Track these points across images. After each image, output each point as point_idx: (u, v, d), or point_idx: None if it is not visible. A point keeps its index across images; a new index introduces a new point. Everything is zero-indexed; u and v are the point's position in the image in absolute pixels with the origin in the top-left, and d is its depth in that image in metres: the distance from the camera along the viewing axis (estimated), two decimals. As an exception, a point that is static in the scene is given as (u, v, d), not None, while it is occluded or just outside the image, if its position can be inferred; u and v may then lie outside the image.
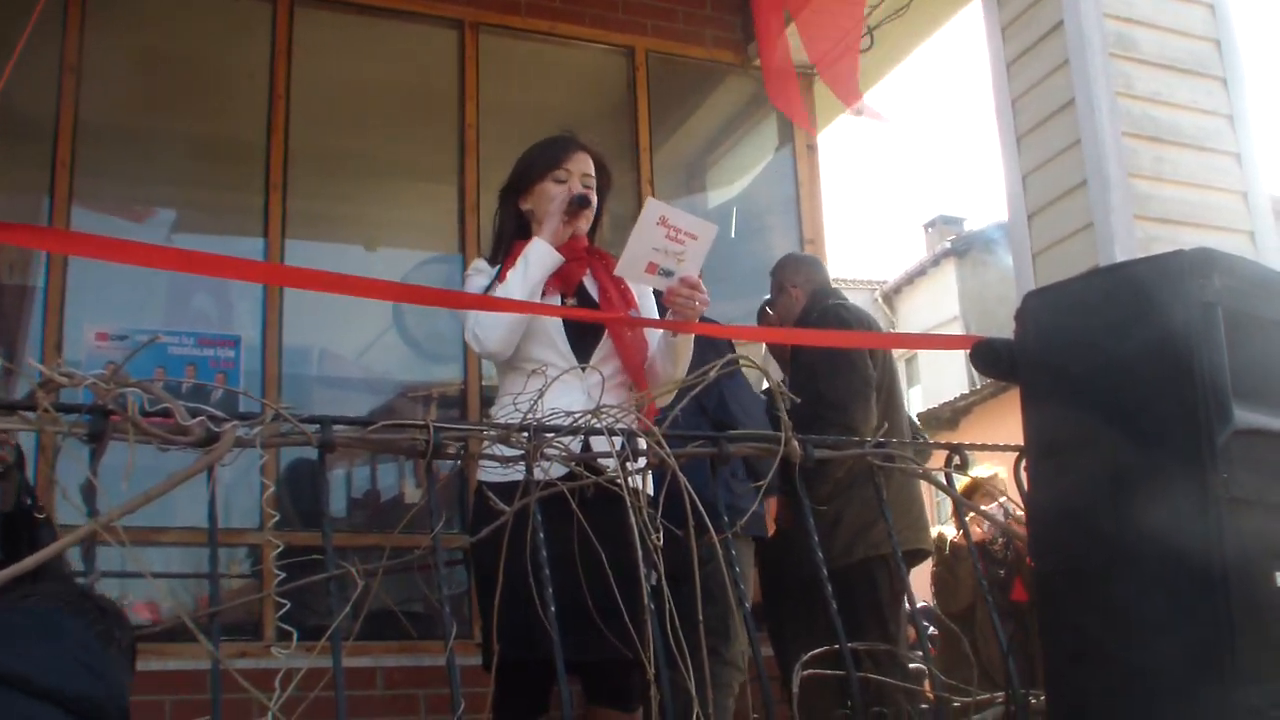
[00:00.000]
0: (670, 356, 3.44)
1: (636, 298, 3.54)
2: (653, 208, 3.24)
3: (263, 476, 4.52)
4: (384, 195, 6.56)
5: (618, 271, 3.40)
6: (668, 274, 3.28)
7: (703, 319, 3.45)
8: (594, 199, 3.54)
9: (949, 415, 21.61)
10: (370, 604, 2.52)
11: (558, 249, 3.43)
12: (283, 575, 2.84)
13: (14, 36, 4.07)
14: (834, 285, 5.27)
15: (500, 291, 3.35)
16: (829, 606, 2.91)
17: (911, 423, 5.47)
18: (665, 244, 3.23)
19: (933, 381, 24.46)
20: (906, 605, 4.13)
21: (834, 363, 4.53)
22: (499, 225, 3.66)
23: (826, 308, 4.79)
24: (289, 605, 2.66)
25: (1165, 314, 2.52)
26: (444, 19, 6.06)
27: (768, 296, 5.31)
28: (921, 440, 5.36)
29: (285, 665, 2.29)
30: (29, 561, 2.40)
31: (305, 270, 3.37)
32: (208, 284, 5.56)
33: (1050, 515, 2.72)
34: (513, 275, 3.36)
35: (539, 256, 3.38)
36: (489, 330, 3.33)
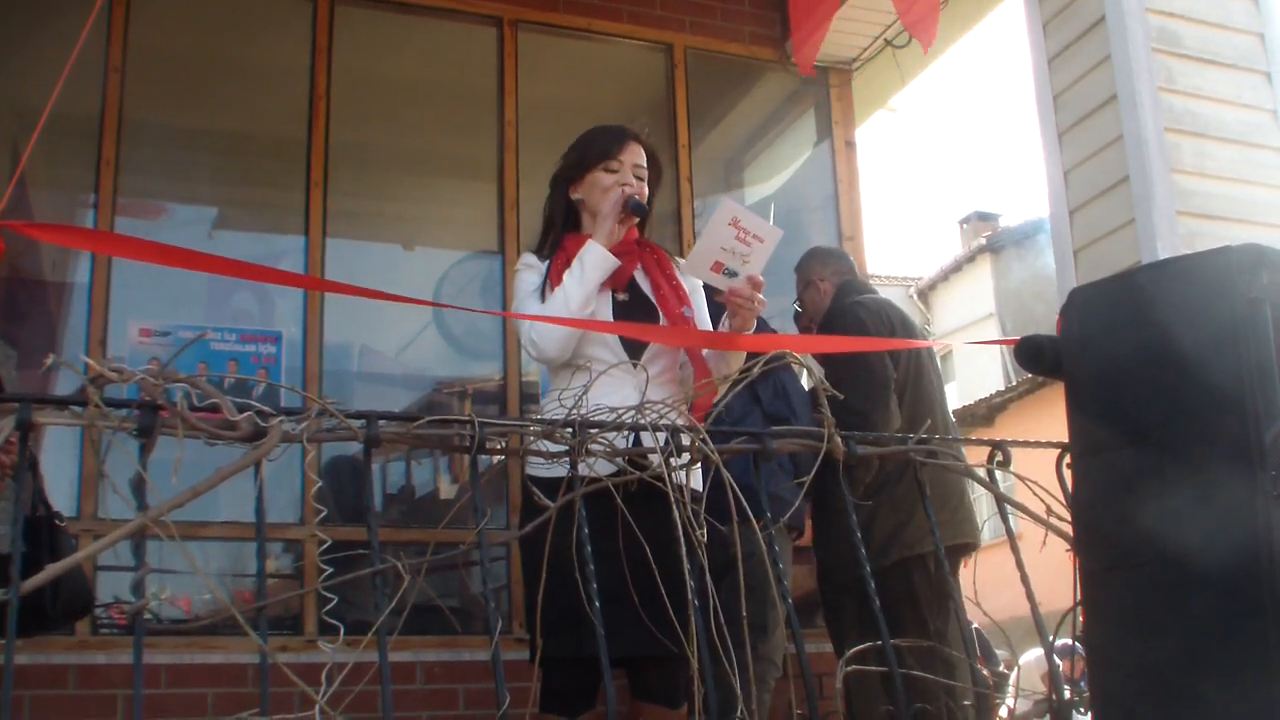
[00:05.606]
0: (724, 357, 3.47)
1: (689, 293, 3.55)
2: (726, 208, 3.27)
3: (307, 472, 4.53)
4: (424, 192, 6.60)
5: (684, 267, 3.44)
6: (732, 274, 3.30)
7: None
8: (646, 196, 3.54)
9: (985, 412, 21.57)
10: (411, 598, 2.53)
11: (610, 249, 3.43)
12: (329, 570, 2.86)
13: (55, 39, 4.11)
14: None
15: (559, 297, 3.36)
16: (872, 603, 2.90)
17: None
18: (734, 245, 3.26)
19: (968, 377, 24.38)
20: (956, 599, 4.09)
21: (851, 368, 4.46)
22: (548, 212, 3.67)
23: (844, 307, 4.71)
24: (335, 600, 2.68)
25: (1212, 310, 2.50)
26: (483, 16, 6.07)
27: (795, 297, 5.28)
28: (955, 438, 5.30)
29: (329, 660, 2.30)
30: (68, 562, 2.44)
31: (346, 285, 3.40)
32: (250, 281, 5.59)
33: (1095, 513, 2.70)
34: (569, 280, 3.37)
35: (595, 261, 3.38)
36: (546, 337, 3.35)
